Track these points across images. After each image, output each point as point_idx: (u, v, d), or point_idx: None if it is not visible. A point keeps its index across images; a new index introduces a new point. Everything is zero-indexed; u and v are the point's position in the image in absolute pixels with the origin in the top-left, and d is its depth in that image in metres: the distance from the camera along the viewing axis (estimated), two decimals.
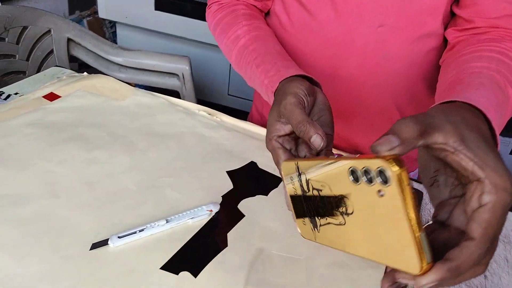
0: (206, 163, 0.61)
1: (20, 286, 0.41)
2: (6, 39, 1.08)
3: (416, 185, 0.63)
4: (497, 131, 0.38)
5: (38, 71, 1.17)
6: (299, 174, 0.37)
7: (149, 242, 0.48)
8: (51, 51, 1.19)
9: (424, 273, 0.29)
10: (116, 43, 1.44)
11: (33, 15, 1.11)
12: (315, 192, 0.36)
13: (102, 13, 1.63)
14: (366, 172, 0.29)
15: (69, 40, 1.22)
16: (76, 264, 0.44)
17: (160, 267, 0.45)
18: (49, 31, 1.16)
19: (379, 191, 0.28)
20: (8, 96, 0.71)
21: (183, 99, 0.75)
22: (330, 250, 0.50)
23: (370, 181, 0.29)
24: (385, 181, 0.28)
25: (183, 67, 1.26)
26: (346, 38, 0.62)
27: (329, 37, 0.63)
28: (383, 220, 0.29)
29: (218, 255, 0.47)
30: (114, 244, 0.46)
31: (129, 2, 1.59)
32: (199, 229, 0.50)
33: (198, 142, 0.65)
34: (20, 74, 1.12)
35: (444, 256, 0.29)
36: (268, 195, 0.57)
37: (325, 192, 0.34)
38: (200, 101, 0.87)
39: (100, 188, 0.54)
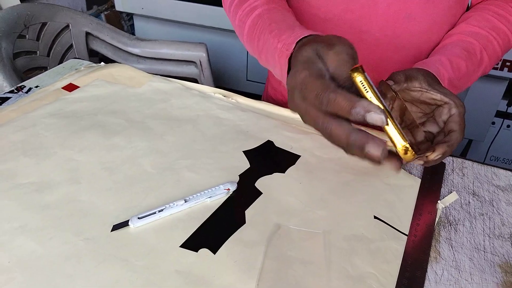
0: (223, 144, 0.62)
1: (46, 266, 0.43)
2: (27, 36, 1.10)
3: None
4: (454, 90, 0.58)
5: (61, 64, 1.19)
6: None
7: (168, 222, 0.49)
8: (71, 46, 1.21)
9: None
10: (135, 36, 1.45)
11: (51, 11, 1.13)
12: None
13: (119, 6, 1.65)
14: None
15: (87, 34, 1.24)
16: (98, 245, 0.45)
17: (179, 245, 0.46)
18: (67, 26, 1.19)
19: None
20: (29, 89, 0.73)
21: None
22: (348, 223, 0.49)
23: None
24: None
25: (200, 54, 1.27)
26: (369, 1, 0.61)
27: (351, 1, 0.62)
28: None
29: (236, 231, 0.48)
30: (134, 225, 0.47)
31: None
32: (217, 207, 0.51)
33: (214, 124, 0.65)
34: (42, 70, 1.15)
35: (442, 140, 0.50)
36: (286, 172, 0.57)
37: None
38: (218, 88, 0.88)
39: (119, 172, 0.55)
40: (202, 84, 1.33)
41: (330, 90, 0.35)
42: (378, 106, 0.35)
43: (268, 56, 0.53)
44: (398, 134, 0.38)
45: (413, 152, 0.39)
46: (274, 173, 0.57)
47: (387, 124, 0.37)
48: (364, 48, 0.65)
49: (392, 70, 0.68)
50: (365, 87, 0.36)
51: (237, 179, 0.55)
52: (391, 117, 0.37)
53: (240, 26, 0.62)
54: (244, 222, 0.49)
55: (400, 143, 0.38)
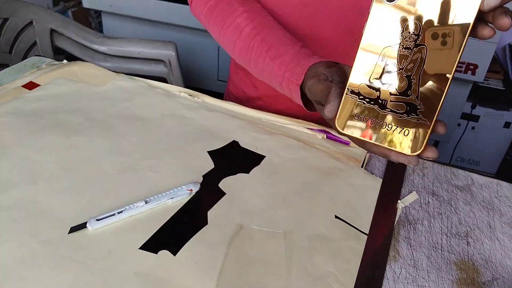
0: (188, 144, 0.61)
1: (0, 270, 0.42)
2: None
3: None
4: None
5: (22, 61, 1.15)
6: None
7: (128, 223, 0.48)
8: (35, 43, 1.18)
9: None
10: (103, 33, 1.42)
11: (13, 6, 1.10)
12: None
13: (86, 3, 1.61)
14: None
15: (52, 31, 1.21)
16: (54, 248, 0.44)
17: (139, 247, 0.45)
18: (31, 22, 1.15)
19: None
20: None
21: None
22: (310, 223, 0.50)
23: None
24: None
25: (169, 53, 1.25)
26: None
27: None
28: None
29: (198, 232, 0.47)
30: (92, 227, 0.46)
31: None
32: (178, 208, 0.50)
33: (179, 124, 0.65)
34: (3, 67, 1.11)
35: None
36: (250, 172, 0.57)
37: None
38: (189, 87, 0.86)
39: (79, 173, 0.54)
40: (171, 83, 1.32)
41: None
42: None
43: (270, 78, 0.57)
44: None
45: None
46: (238, 174, 0.57)
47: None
48: (318, 43, 0.66)
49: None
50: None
51: (201, 179, 0.55)
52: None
53: (227, 44, 0.63)
54: (206, 223, 0.49)
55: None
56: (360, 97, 0.37)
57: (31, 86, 0.70)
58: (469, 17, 0.33)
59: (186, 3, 0.71)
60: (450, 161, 1.86)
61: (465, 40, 0.33)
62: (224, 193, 0.53)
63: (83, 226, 0.46)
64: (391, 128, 0.37)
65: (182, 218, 0.49)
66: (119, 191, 0.52)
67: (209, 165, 0.58)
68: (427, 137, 0.36)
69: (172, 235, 0.47)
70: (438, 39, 0.34)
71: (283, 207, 0.52)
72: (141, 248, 0.45)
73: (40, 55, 0.85)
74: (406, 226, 0.52)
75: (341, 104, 0.38)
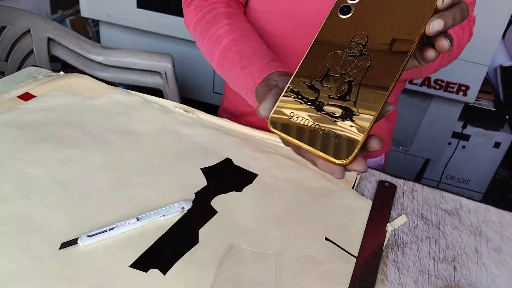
0: (181, 160, 0.61)
1: None
2: None
3: (390, 179, 0.64)
4: None
5: (18, 71, 1.16)
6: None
7: (119, 240, 0.48)
8: (31, 51, 1.18)
9: None
10: (100, 43, 1.43)
11: (12, 14, 1.10)
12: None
13: (84, 12, 1.62)
14: None
15: (49, 39, 1.21)
16: (45, 264, 0.44)
17: (129, 265, 0.45)
18: (28, 30, 1.16)
19: None
20: None
21: (167, 98, 0.75)
22: (300, 244, 0.50)
23: None
24: None
25: (165, 65, 1.26)
26: (318, 18, 0.63)
27: (300, 17, 0.64)
28: None
29: (189, 252, 0.48)
30: (83, 243, 0.46)
31: (111, 0, 1.58)
32: (170, 226, 0.51)
33: (173, 140, 0.65)
34: (0, 75, 1.11)
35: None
36: (242, 191, 0.58)
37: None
38: (184, 99, 0.87)
39: (72, 187, 0.54)
40: (167, 95, 1.32)
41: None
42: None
43: (239, 88, 0.58)
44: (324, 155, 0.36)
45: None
46: (231, 192, 0.57)
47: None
48: None
49: None
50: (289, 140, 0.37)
51: (193, 197, 0.55)
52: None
53: (208, 54, 0.64)
54: (197, 242, 0.49)
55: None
56: (299, 96, 0.37)
57: (26, 97, 0.71)
58: (413, 37, 0.35)
59: (183, 16, 0.72)
60: (440, 179, 1.87)
61: (406, 58, 0.35)
62: (216, 212, 0.54)
63: (74, 242, 0.47)
64: (323, 131, 0.35)
65: (173, 237, 0.49)
66: (112, 207, 0.52)
67: (202, 182, 0.58)
68: (358, 147, 0.34)
69: (162, 254, 0.47)
70: (382, 53, 0.36)
71: (274, 228, 0.52)
72: (131, 266, 0.45)
73: (36, 65, 0.85)
74: (395, 249, 0.53)
75: (278, 102, 0.38)
